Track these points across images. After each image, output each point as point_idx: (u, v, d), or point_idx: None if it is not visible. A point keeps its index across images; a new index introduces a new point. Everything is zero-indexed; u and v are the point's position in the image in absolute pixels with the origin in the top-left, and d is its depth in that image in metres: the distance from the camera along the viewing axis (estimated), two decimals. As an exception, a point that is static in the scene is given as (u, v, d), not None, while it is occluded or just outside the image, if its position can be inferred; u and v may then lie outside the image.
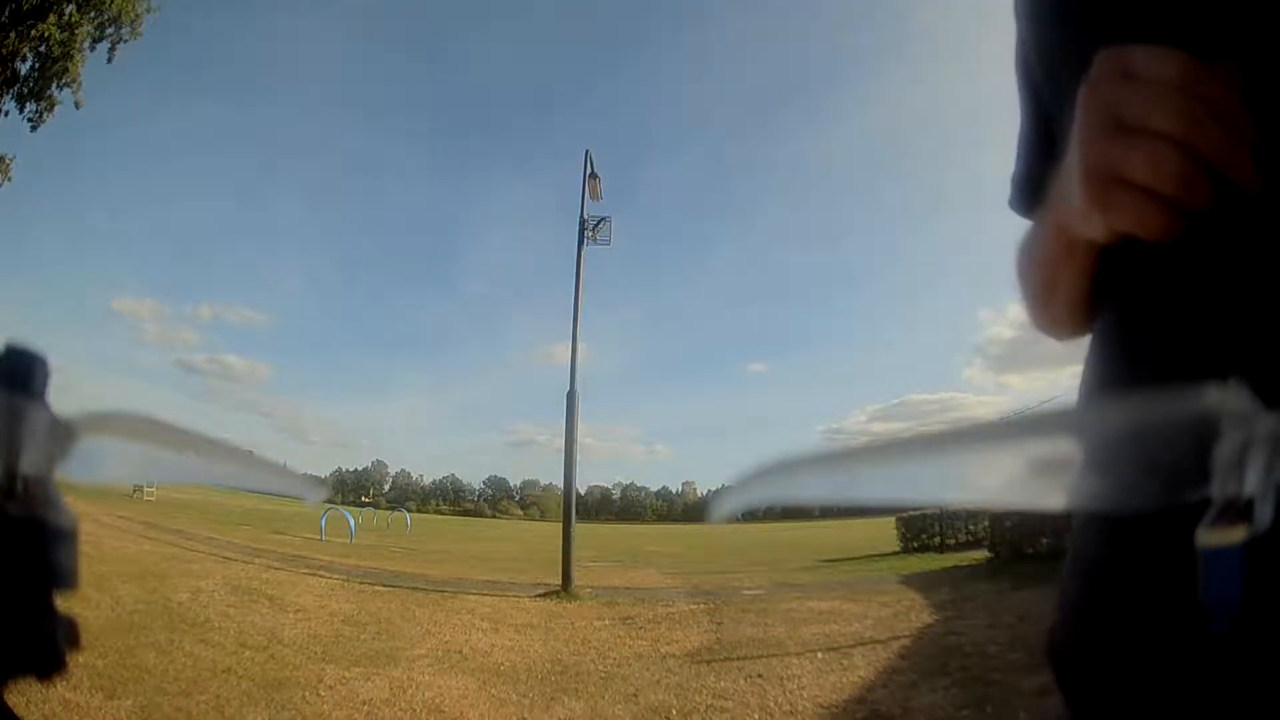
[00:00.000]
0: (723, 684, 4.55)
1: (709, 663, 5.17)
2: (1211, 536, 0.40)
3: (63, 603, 0.52)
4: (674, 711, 3.98)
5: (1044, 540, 12.10)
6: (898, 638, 5.85)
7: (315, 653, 4.80)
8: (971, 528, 16.79)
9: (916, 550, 15.78)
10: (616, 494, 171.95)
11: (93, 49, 17.39)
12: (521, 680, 4.49)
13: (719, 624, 6.82)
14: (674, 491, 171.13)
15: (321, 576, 9.33)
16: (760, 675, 4.74)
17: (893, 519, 17.40)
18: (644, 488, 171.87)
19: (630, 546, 24.18)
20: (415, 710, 3.76)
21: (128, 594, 5.86)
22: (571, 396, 9.34)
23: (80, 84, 17.11)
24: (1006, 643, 5.26)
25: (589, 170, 10.73)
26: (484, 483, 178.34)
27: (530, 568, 12.69)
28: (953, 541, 16.08)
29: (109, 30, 17.40)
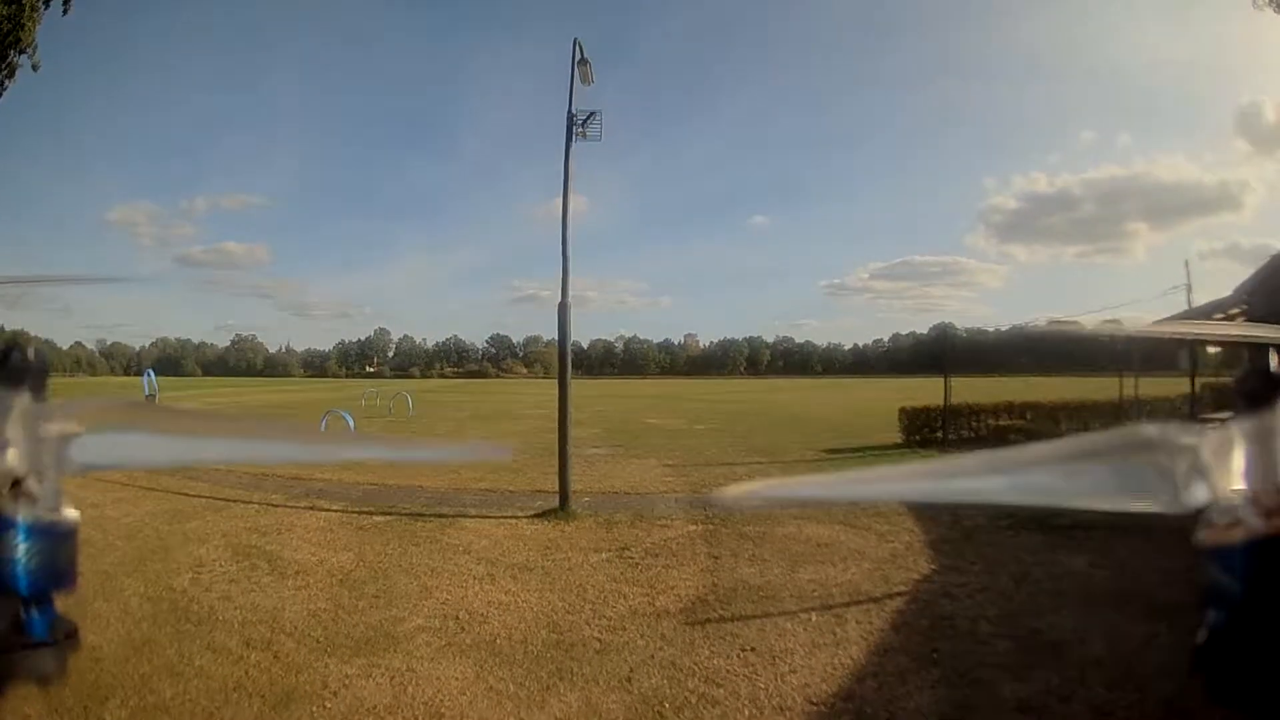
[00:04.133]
0: (716, 661, 4.58)
1: (702, 625, 5.22)
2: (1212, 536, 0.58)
3: (62, 604, 0.64)
4: (666, 705, 4.01)
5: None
6: (893, 595, 5.88)
7: (317, 641, 4.82)
8: (974, 424, 16.92)
9: (918, 444, 15.97)
10: (620, 347, 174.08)
11: (46, 5, 17.02)
12: (518, 661, 4.53)
13: (716, 559, 6.89)
14: (676, 344, 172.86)
15: (319, 509, 9.12)
16: (753, 649, 4.77)
17: (914, 399, 17.52)
18: (647, 340, 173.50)
19: (631, 418, 24.67)
20: (417, 716, 3.80)
21: (133, 592, 5.72)
22: (564, 309, 8.95)
23: (36, 47, 16.92)
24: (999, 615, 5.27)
25: (578, 56, 9.64)
26: (487, 341, 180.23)
27: (529, 464, 12.66)
28: (954, 438, 16.25)
29: None
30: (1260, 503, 0.59)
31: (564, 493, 8.82)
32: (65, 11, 17.23)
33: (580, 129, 9.19)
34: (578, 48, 9.43)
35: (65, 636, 0.63)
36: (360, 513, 8.95)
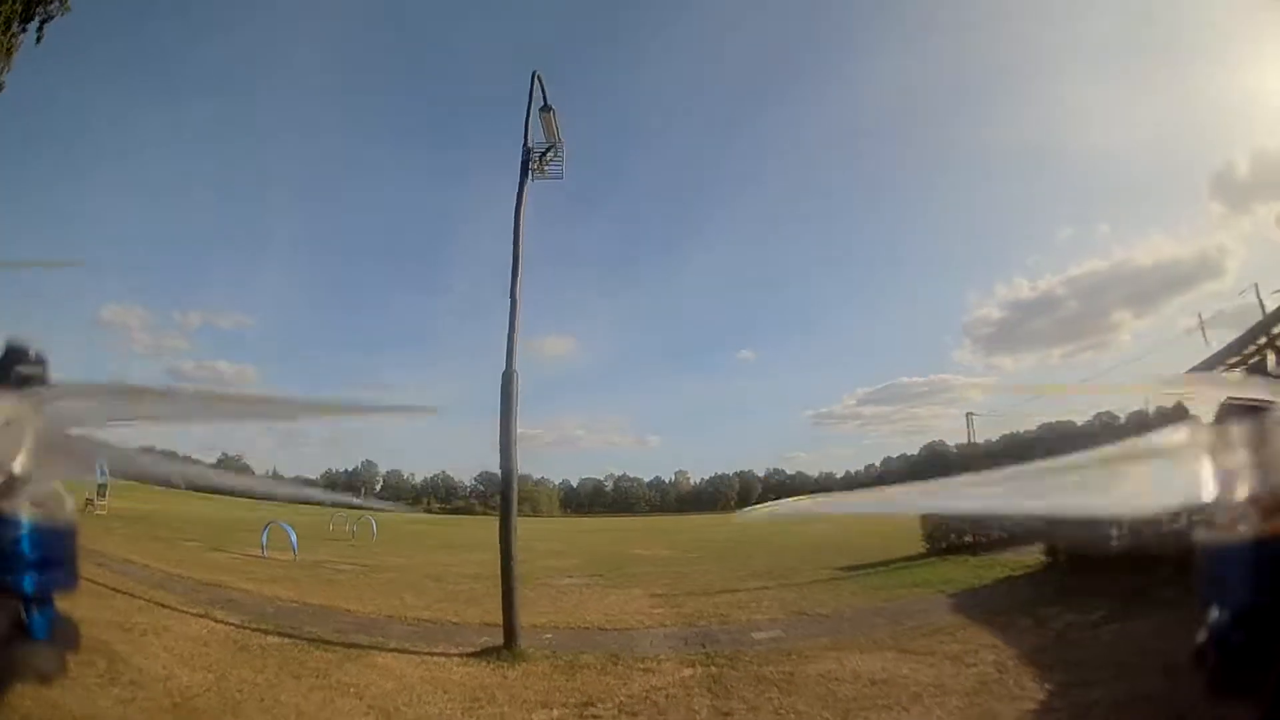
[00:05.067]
0: None
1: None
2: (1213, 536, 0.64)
3: (62, 604, 0.71)
4: None
5: (1112, 535, 9.86)
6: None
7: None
8: (1005, 522, 14.68)
9: (945, 551, 13.61)
10: (609, 485, 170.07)
11: (23, 30, 16.17)
12: None
13: (726, 716, 4.55)
14: (666, 481, 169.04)
15: (210, 619, 7.86)
16: None
17: (914, 514, 15.28)
18: (636, 478, 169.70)
19: (616, 551, 21.90)
20: None
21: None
22: (509, 378, 7.02)
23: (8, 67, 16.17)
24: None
25: (542, 101, 8.43)
26: (474, 479, 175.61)
27: (489, 593, 10.36)
28: (984, 539, 13.95)
29: (38, 9, 16.14)
30: (1259, 503, 0.65)
31: (510, 626, 6.48)
32: (39, 40, 16.37)
33: (537, 164, 7.73)
34: (537, 83, 8.17)
35: (66, 636, 0.71)
36: (254, 629, 7.51)
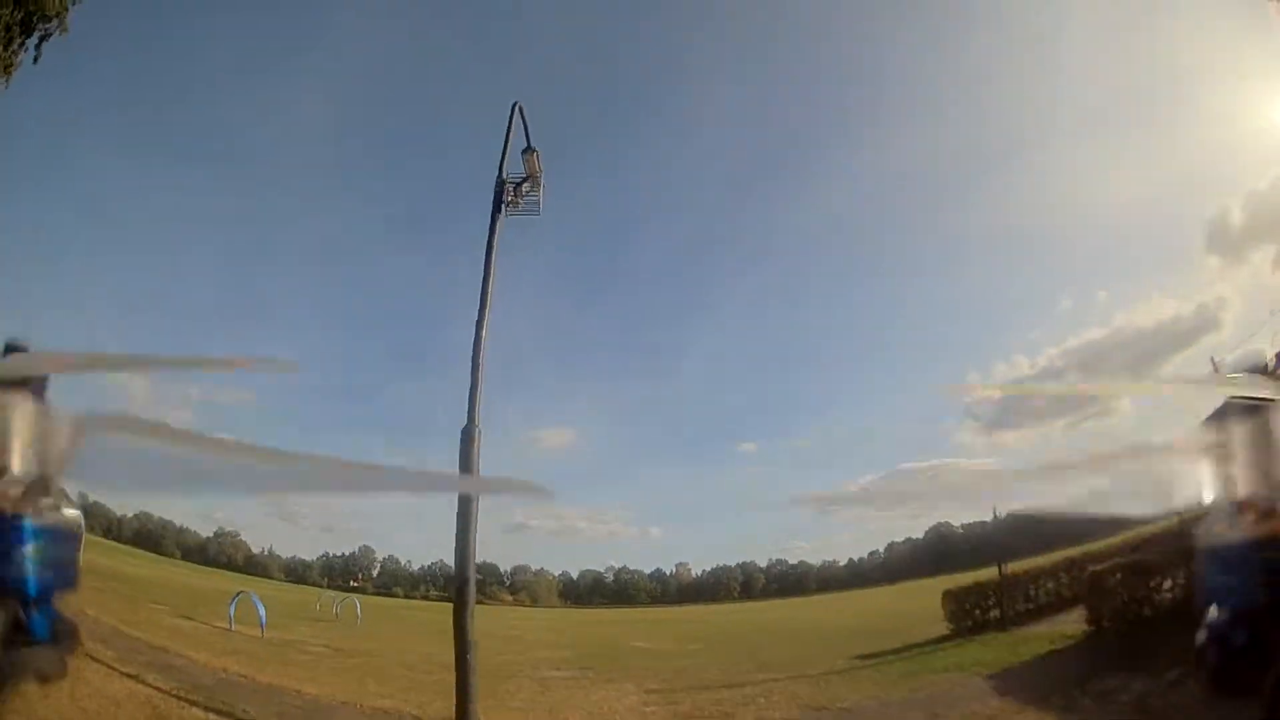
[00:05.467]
0: None
1: None
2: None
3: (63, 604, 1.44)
4: None
5: (1159, 590, 8.66)
6: None
7: None
8: (1032, 591, 13.47)
9: (972, 630, 12.29)
10: (610, 577, 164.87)
11: (22, 47, 16.21)
12: None
13: None
14: (668, 573, 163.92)
15: (142, 681, 7.06)
16: None
17: (936, 595, 13.99)
18: (637, 570, 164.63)
19: (613, 642, 20.17)
20: None
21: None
22: (469, 435, 6.11)
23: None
24: None
25: (525, 141, 7.88)
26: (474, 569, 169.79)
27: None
28: (1013, 612, 12.67)
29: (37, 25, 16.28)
30: (1258, 504, 0.86)
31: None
32: (36, 59, 16.34)
33: (512, 197, 7.08)
34: (518, 115, 7.65)
35: (66, 636, 1.18)
36: (181, 699, 6.72)
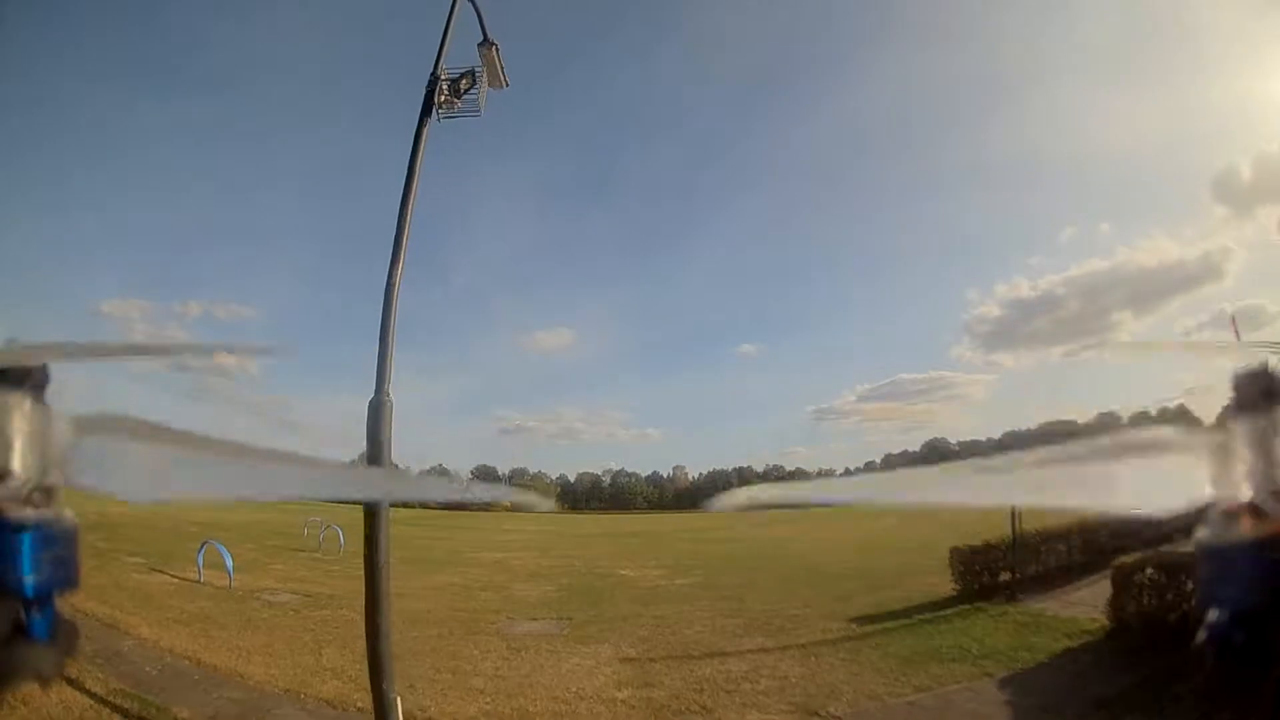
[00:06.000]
0: None
1: None
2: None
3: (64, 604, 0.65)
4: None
5: (1189, 596, 7.73)
6: None
7: None
8: (1043, 551, 12.70)
9: (978, 594, 11.47)
10: (607, 480, 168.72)
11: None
12: None
13: None
14: (665, 476, 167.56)
15: (81, 687, 6.40)
16: None
17: (934, 522, 13.17)
18: (634, 473, 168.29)
19: (601, 571, 19.71)
20: None
21: None
22: (378, 408, 4.81)
23: None
24: None
25: (482, 35, 6.29)
26: (472, 472, 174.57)
27: (437, 645, 8.43)
28: (1019, 575, 11.86)
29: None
30: (1259, 503, 0.66)
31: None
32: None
33: (445, 97, 5.56)
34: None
35: (66, 637, 0.68)
36: (111, 706, 6.14)
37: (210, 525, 20.01)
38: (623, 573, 18.94)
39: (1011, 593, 11.29)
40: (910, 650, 8.61)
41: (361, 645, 7.02)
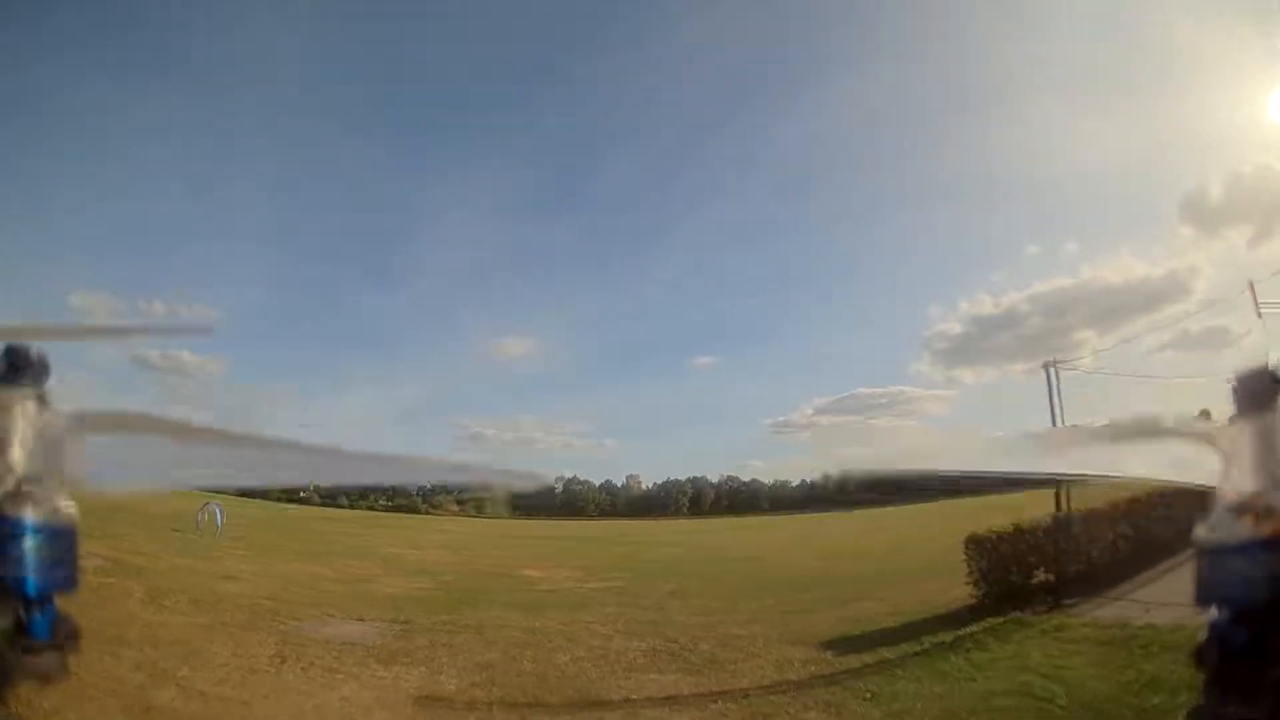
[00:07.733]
0: None
1: None
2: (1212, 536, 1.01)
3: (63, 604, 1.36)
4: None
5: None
6: None
7: None
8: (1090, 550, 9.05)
9: (1004, 598, 7.75)
10: (559, 488, 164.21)
11: None
12: None
13: None
14: (618, 485, 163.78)
15: None
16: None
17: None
18: (587, 481, 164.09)
19: (500, 571, 15.56)
20: None
21: None
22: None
23: None
24: None
25: None
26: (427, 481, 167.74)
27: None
28: (1053, 578, 8.20)
29: None
30: (1260, 503, 0.78)
31: None
32: None
33: None
34: None
35: (66, 637, 0.92)
36: None
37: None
38: (526, 573, 14.83)
39: (1057, 595, 7.61)
40: (942, 706, 4.76)
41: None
